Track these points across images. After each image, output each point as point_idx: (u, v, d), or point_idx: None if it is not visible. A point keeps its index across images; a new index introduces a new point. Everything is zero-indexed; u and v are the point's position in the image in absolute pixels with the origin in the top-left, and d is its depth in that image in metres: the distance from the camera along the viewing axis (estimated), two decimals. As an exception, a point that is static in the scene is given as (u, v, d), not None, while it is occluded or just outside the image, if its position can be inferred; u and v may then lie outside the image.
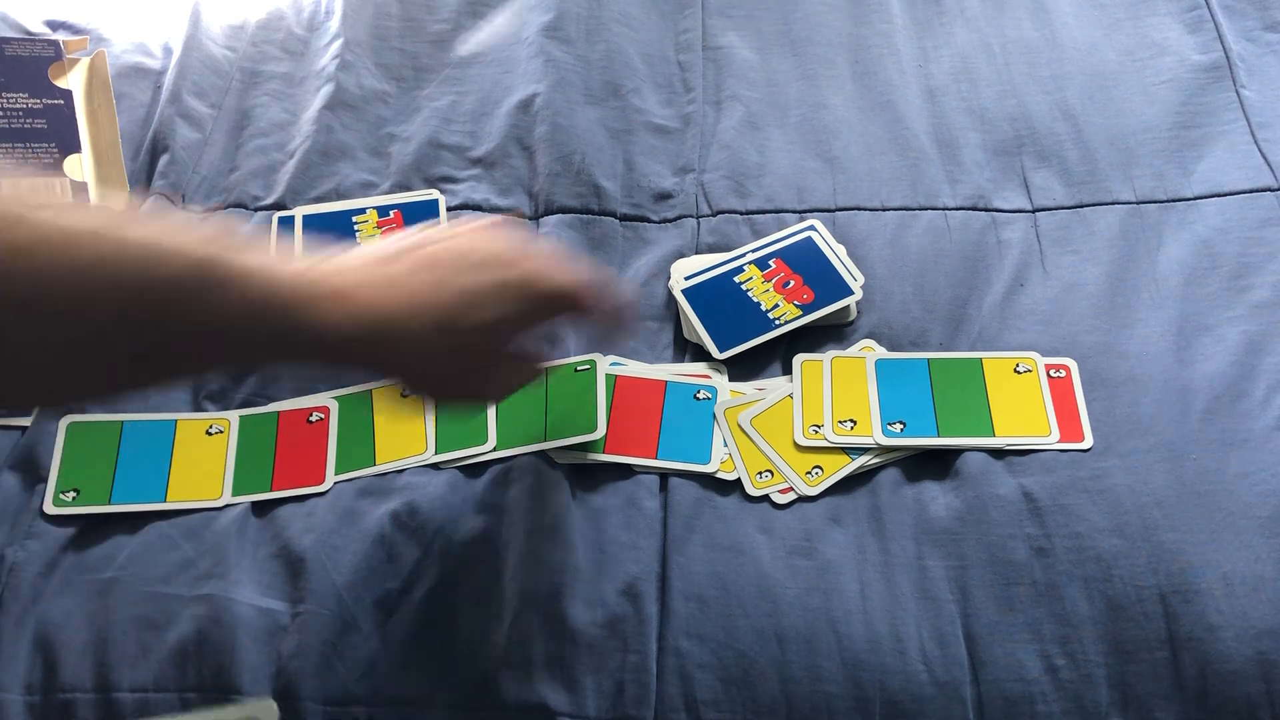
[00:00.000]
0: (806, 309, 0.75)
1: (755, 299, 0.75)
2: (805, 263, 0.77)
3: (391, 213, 0.82)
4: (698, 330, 0.74)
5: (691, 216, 0.83)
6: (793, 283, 0.76)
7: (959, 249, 0.79)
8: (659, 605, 0.63)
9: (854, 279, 0.76)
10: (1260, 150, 0.83)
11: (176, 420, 0.71)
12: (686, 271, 0.78)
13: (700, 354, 0.75)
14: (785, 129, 0.89)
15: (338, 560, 0.64)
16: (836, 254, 0.78)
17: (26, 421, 0.71)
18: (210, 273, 0.46)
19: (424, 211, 0.83)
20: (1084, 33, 0.94)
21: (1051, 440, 0.68)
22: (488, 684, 0.61)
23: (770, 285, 0.76)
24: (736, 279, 0.77)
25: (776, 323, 0.74)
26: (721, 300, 0.76)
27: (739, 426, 0.69)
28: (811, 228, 0.80)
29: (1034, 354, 0.72)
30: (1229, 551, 0.62)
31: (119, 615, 0.63)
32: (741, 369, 0.74)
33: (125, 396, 0.67)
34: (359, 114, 0.90)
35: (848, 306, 0.75)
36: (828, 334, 0.75)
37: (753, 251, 0.78)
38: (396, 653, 0.62)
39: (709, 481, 0.68)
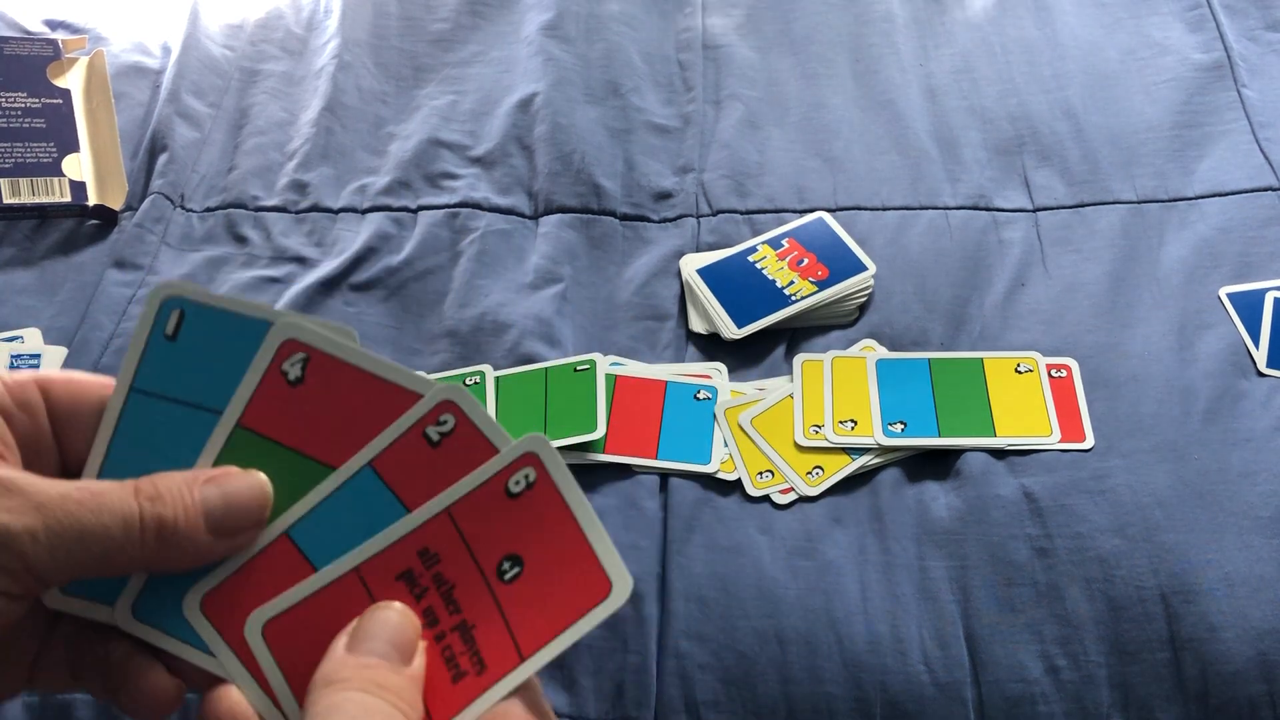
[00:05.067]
0: (822, 285, 0.75)
1: (770, 276, 0.76)
2: (818, 242, 0.78)
3: (786, 241, 0.78)
4: (712, 311, 0.74)
5: (691, 216, 0.83)
6: (806, 260, 0.76)
7: (960, 248, 0.79)
8: (659, 606, 0.63)
9: (866, 261, 0.76)
10: (1261, 149, 0.83)
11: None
12: (697, 265, 0.78)
13: (703, 350, 0.75)
14: (785, 128, 0.88)
15: (337, 561, 0.64)
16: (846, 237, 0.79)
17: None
18: None
19: (815, 232, 0.79)
20: (1085, 32, 0.94)
21: (1053, 440, 0.68)
22: (487, 685, 0.60)
23: (784, 263, 0.76)
24: (750, 258, 0.77)
25: (793, 299, 0.74)
26: (736, 279, 0.76)
27: (739, 426, 0.69)
28: (820, 217, 0.80)
29: (1035, 354, 0.72)
30: (1230, 552, 0.62)
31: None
32: (741, 369, 0.74)
33: None
34: (358, 114, 0.90)
35: (855, 300, 0.75)
36: (829, 333, 0.75)
37: (764, 243, 0.79)
38: (396, 653, 0.61)
39: (709, 482, 0.68)
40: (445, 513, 0.32)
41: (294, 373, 0.34)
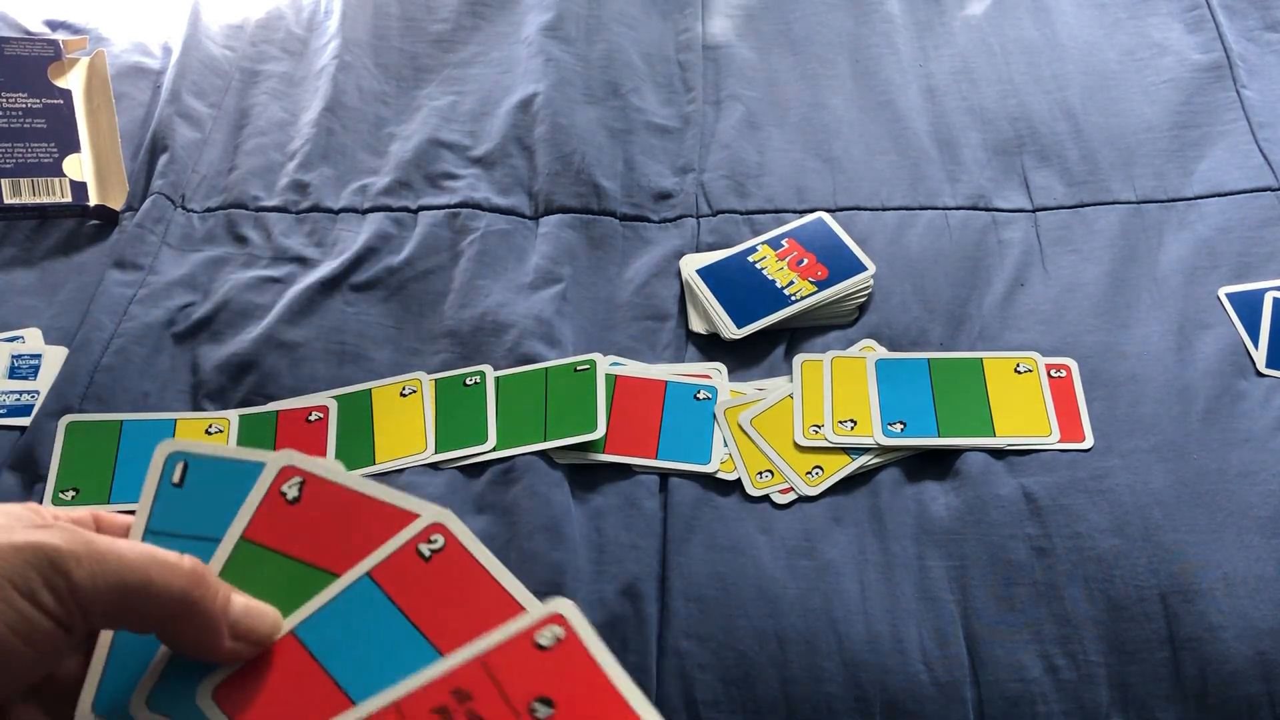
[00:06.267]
0: (822, 285, 0.75)
1: (770, 277, 0.76)
2: (817, 242, 0.78)
3: (785, 241, 0.78)
4: (712, 311, 0.74)
5: (691, 216, 0.83)
6: (806, 260, 0.76)
7: (959, 249, 0.79)
8: (659, 606, 0.63)
9: (866, 261, 0.77)
10: (1261, 150, 0.83)
11: (176, 420, 0.71)
12: (697, 265, 0.78)
13: (703, 350, 0.75)
14: (785, 129, 0.89)
15: (337, 560, 0.64)
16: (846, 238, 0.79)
17: (26, 421, 0.71)
18: None
19: (814, 232, 0.79)
20: (1084, 32, 0.94)
21: (1052, 440, 0.68)
22: (487, 684, 0.60)
23: (784, 264, 0.76)
24: (750, 259, 0.77)
25: (793, 299, 0.74)
26: (736, 279, 0.76)
27: (739, 426, 0.69)
28: (819, 217, 0.80)
29: (1034, 354, 0.72)
30: (1230, 551, 0.62)
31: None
32: (741, 369, 0.74)
33: None
34: (358, 114, 0.90)
35: (854, 300, 0.75)
36: (828, 333, 0.75)
37: (764, 243, 0.79)
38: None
39: (709, 481, 0.68)
40: (477, 660, 0.35)
41: (292, 493, 0.39)
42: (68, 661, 0.37)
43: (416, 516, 0.38)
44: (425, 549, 0.37)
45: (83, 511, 0.37)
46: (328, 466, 0.39)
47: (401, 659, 0.35)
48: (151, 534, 0.38)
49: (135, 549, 0.33)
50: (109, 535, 0.37)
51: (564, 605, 0.36)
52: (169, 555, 0.34)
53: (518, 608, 0.36)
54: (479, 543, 0.37)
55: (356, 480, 0.39)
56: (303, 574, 0.38)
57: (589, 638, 0.35)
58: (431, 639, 0.36)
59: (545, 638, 0.35)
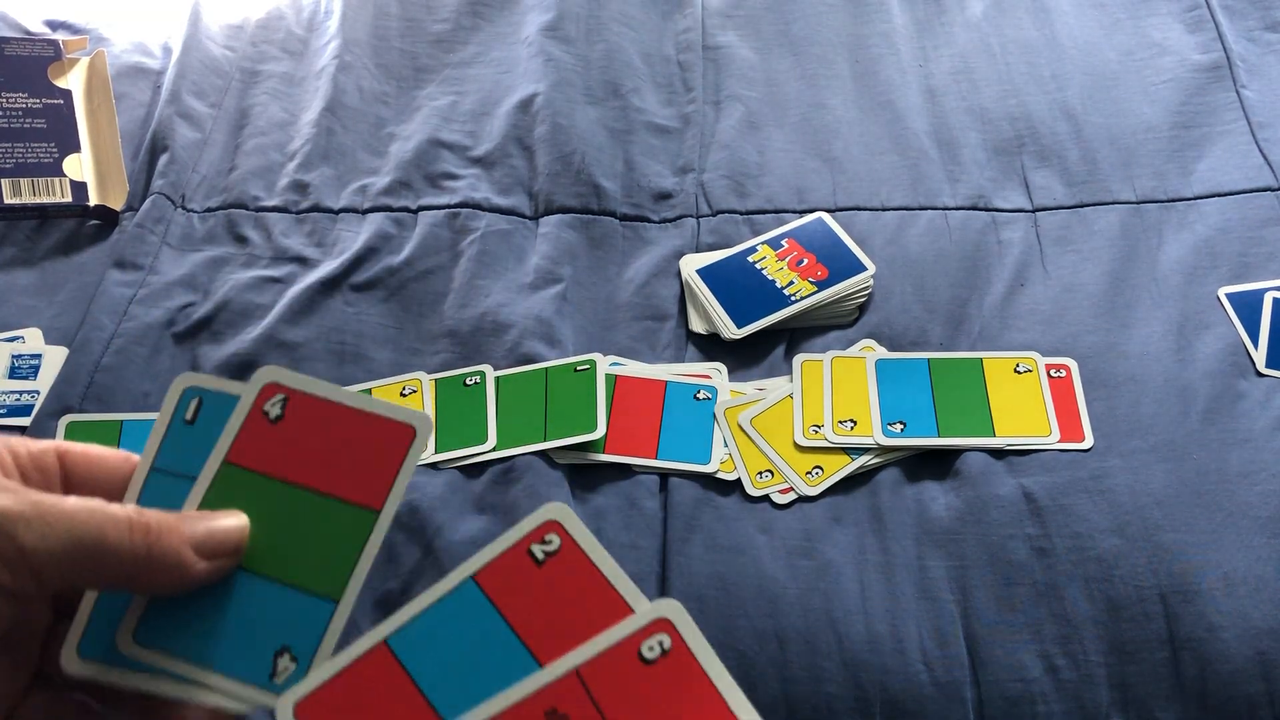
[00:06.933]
0: (822, 285, 0.75)
1: (770, 277, 0.76)
2: (817, 242, 0.78)
3: (785, 242, 0.78)
4: (712, 311, 0.74)
5: (691, 216, 0.83)
6: (806, 261, 0.76)
7: (959, 249, 0.79)
8: (659, 605, 0.63)
9: (866, 261, 0.77)
10: (1260, 150, 0.83)
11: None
12: (697, 265, 0.78)
13: (703, 350, 0.75)
14: (785, 129, 0.89)
15: (337, 560, 0.64)
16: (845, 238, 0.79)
17: (26, 421, 0.71)
18: None
19: (814, 232, 0.79)
20: (1084, 32, 0.94)
21: (1052, 440, 0.68)
22: (487, 684, 0.60)
23: (784, 264, 0.76)
24: (750, 259, 0.77)
25: (792, 299, 0.74)
26: (736, 279, 0.76)
27: (739, 426, 0.69)
28: (819, 217, 0.80)
29: (1034, 354, 0.72)
30: (1229, 551, 0.62)
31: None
32: (741, 369, 0.74)
33: None
34: (358, 114, 0.90)
35: (854, 300, 0.76)
36: (828, 333, 0.75)
37: (763, 243, 0.79)
38: (396, 653, 0.62)
39: (709, 481, 0.68)
40: (574, 673, 0.32)
41: (274, 411, 0.36)
42: (33, 611, 0.35)
43: (406, 425, 0.35)
44: (539, 550, 0.33)
45: (47, 445, 0.35)
46: (311, 380, 0.36)
47: (503, 678, 0.32)
48: (156, 472, 0.36)
49: (83, 506, 0.32)
50: (77, 468, 0.36)
51: (671, 609, 0.32)
52: (115, 508, 0.32)
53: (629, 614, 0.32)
54: (598, 544, 0.33)
55: (341, 393, 0.36)
56: (286, 494, 0.35)
57: (700, 648, 0.31)
58: (538, 655, 0.32)
59: (651, 650, 0.31)
